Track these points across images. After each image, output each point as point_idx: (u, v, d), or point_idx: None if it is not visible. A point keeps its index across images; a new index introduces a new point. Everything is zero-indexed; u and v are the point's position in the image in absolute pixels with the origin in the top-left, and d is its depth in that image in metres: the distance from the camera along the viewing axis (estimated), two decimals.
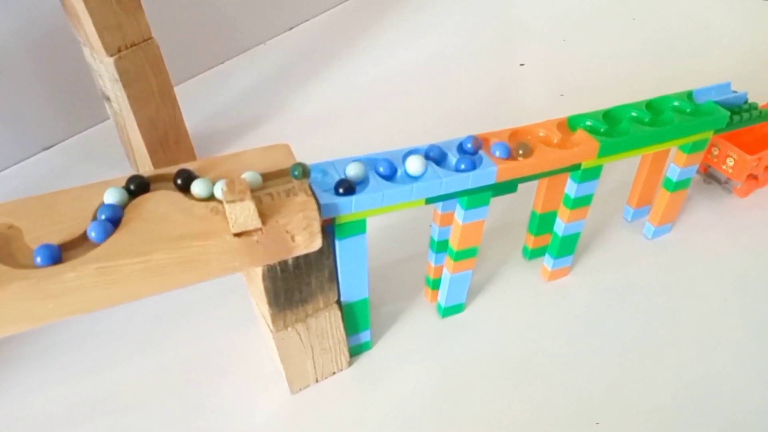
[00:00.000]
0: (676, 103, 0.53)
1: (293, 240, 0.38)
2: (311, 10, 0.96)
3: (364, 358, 0.51)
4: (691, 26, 0.93)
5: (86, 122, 0.75)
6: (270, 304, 0.41)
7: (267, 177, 0.40)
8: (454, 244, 0.48)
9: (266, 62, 0.88)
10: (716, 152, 0.61)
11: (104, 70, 0.59)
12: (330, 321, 0.46)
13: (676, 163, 0.55)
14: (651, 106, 0.52)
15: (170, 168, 0.40)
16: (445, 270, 0.51)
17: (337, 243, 0.43)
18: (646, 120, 0.51)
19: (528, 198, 0.55)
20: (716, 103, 0.53)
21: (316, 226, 0.38)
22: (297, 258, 0.40)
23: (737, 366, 0.50)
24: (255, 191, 0.38)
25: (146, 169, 0.66)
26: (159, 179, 0.40)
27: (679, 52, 0.87)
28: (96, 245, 0.36)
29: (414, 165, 0.43)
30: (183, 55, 0.81)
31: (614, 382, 0.49)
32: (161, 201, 0.38)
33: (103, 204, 0.38)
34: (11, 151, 0.71)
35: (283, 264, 0.40)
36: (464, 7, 0.99)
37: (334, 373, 0.49)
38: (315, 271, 0.42)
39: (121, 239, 0.36)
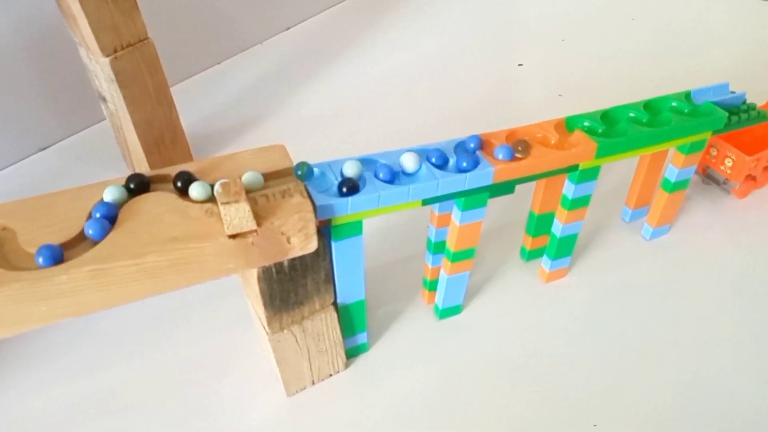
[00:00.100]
0: (674, 104, 0.52)
1: (289, 242, 0.38)
2: (309, 9, 0.96)
3: (361, 360, 0.51)
4: (689, 26, 0.92)
5: (82, 123, 0.75)
6: (265, 306, 0.41)
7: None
8: (451, 246, 0.48)
9: (264, 62, 0.87)
10: (715, 153, 0.61)
11: (100, 70, 0.59)
12: (326, 323, 0.45)
13: (675, 163, 0.54)
14: (649, 106, 0.52)
15: (166, 169, 0.40)
16: (442, 271, 0.50)
17: (333, 244, 0.42)
18: (644, 120, 0.51)
19: (526, 199, 0.55)
20: (714, 103, 0.53)
21: (312, 228, 0.38)
22: (293, 260, 0.40)
23: (736, 366, 0.50)
24: (250, 192, 0.38)
25: (142, 169, 0.66)
26: (155, 180, 0.40)
27: (678, 53, 0.87)
28: (91, 246, 0.35)
29: (409, 161, 0.43)
30: (180, 55, 0.81)
31: (612, 383, 0.49)
32: (156, 202, 0.38)
33: (98, 203, 0.37)
34: (7, 152, 0.70)
35: (279, 266, 0.40)
36: (463, 8, 0.98)
37: (330, 375, 0.49)
38: (311, 272, 0.42)
39: (115, 241, 0.35)
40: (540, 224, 0.55)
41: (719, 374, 0.49)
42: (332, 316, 0.45)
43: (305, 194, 0.38)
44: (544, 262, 0.55)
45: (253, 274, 0.39)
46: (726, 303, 0.54)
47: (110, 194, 0.38)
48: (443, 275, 0.50)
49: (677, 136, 0.51)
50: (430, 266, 0.52)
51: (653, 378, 0.49)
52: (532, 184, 0.51)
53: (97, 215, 0.37)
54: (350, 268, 0.44)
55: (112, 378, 0.50)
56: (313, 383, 0.49)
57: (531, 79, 0.84)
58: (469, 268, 0.50)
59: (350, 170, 0.42)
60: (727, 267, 0.57)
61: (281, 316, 0.43)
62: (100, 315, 0.38)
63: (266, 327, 0.43)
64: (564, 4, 0.99)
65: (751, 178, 0.62)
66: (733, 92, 0.55)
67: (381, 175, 0.42)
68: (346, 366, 0.50)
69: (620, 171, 0.64)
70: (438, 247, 0.51)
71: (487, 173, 0.43)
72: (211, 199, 0.38)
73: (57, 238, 0.36)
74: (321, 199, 0.40)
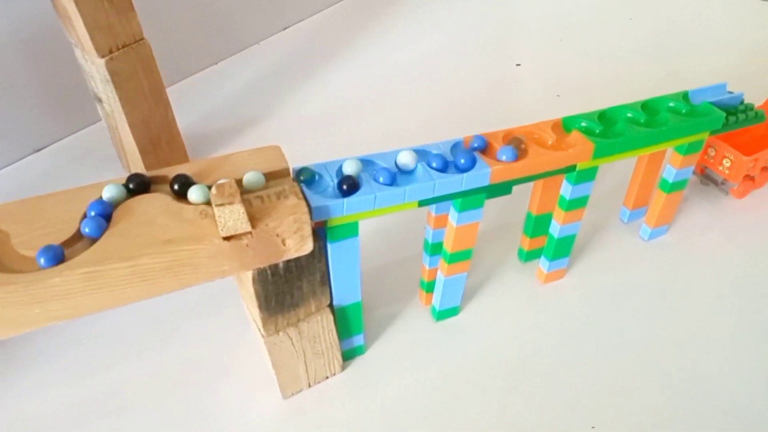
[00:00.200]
0: (671, 104, 0.52)
1: (284, 243, 0.38)
2: (306, 9, 0.96)
3: (358, 363, 0.50)
4: (687, 26, 0.92)
5: (78, 124, 0.75)
6: (260, 308, 0.41)
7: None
8: (448, 247, 0.48)
9: (261, 62, 0.87)
10: (713, 153, 0.61)
11: (95, 71, 0.59)
12: (322, 325, 0.45)
13: (672, 164, 0.54)
14: (646, 106, 0.52)
15: (164, 170, 0.40)
16: (439, 273, 0.50)
17: (329, 246, 0.42)
18: (642, 121, 0.50)
19: (524, 199, 0.55)
20: (712, 103, 0.52)
21: (307, 230, 0.38)
22: (288, 261, 0.39)
23: (735, 367, 0.49)
24: (245, 194, 0.38)
25: (138, 170, 0.65)
26: (154, 181, 0.40)
27: (676, 53, 0.87)
28: (86, 248, 0.35)
29: (406, 159, 0.42)
30: (177, 56, 0.81)
31: (611, 384, 0.49)
32: (150, 204, 0.38)
33: (94, 201, 0.37)
34: (2, 153, 0.70)
35: (274, 268, 0.39)
36: (461, 8, 0.98)
37: (327, 377, 0.49)
38: (306, 274, 0.41)
39: (109, 243, 0.35)
40: (538, 225, 0.55)
41: (718, 375, 0.49)
42: (328, 318, 0.45)
43: (300, 195, 0.38)
44: (542, 263, 0.55)
45: (248, 276, 0.39)
46: (724, 303, 0.54)
47: (109, 192, 0.38)
48: (440, 277, 0.50)
49: (675, 136, 0.51)
50: (427, 267, 0.52)
51: (652, 379, 0.49)
52: (530, 184, 0.50)
53: (92, 213, 0.37)
54: (346, 270, 0.44)
55: (109, 380, 0.50)
56: (310, 386, 0.48)
57: (529, 79, 0.84)
58: (466, 269, 0.50)
59: (350, 168, 0.42)
60: (725, 267, 0.57)
61: (277, 319, 0.42)
62: (97, 317, 0.38)
63: (262, 329, 0.43)
64: (562, 4, 0.99)
65: (749, 178, 0.62)
66: (730, 92, 0.55)
67: (381, 179, 0.42)
68: (343, 368, 0.50)
69: (618, 171, 0.64)
70: (435, 249, 0.50)
71: (483, 174, 0.43)
72: (209, 201, 0.37)
73: (51, 241, 0.35)
74: (316, 201, 0.40)
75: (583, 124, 0.49)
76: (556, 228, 0.52)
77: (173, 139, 0.66)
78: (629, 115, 0.51)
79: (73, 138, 0.74)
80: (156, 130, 0.64)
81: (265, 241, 0.37)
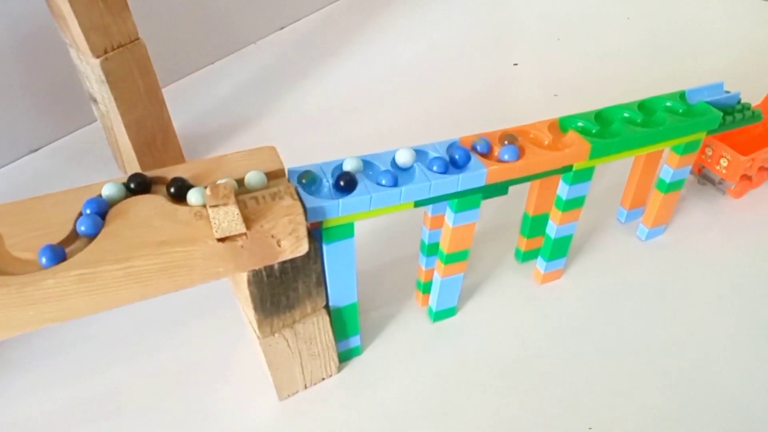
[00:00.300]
0: (668, 104, 0.52)
1: (279, 245, 0.37)
2: (303, 9, 0.96)
3: (354, 364, 0.50)
4: (685, 26, 0.92)
5: (73, 124, 0.74)
6: (256, 309, 0.41)
7: (239, 182, 0.40)
8: (444, 247, 0.47)
9: (257, 62, 0.87)
10: (710, 153, 0.61)
11: (90, 71, 0.58)
12: (318, 326, 0.45)
13: (669, 164, 0.54)
14: (643, 106, 0.52)
15: (163, 170, 0.40)
16: (435, 273, 0.50)
17: (324, 247, 0.42)
18: (639, 121, 0.50)
19: (521, 200, 0.55)
20: (709, 103, 0.52)
21: (303, 231, 0.38)
22: (283, 263, 0.39)
23: (733, 367, 0.49)
24: (239, 195, 0.38)
25: (133, 171, 0.65)
26: (154, 182, 0.40)
27: (674, 52, 0.87)
28: (79, 250, 0.35)
29: (404, 157, 0.42)
30: (173, 56, 0.81)
31: (608, 385, 0.48)
32: (144, 205, 0.37)
33: (90, 199, 0.37)
34: None
35: (269, 269, 0.39)
36: (458, 7, 0.98)
37: (323, 379, 0.49)
38: (302, 276, 0.41)
39: (103, 245, 0.35)
40: (534, 225, 0.54)
41: (716, 375, 0.49)
42: (324, 319, 0.45)
43: (296, 196, 0.38)
44: (539, 264, 0.55)
45: (243, 277, 0.39)
46: (722, 303, 0.54)
47: (108, 190, 0.38)
48: (437, 277, 0.50)
49: (672, 136, 0.50)
50: (423, 268, 0.52)
51: (649, 379, 0.49)
52: (527, 185, 0.50)
53: (88, 211, 0.36)
54: (342, 271, 0.44)
55: (105, 382, 0.50)
56: (306, 387, 0.48)
57: (526, 78, 0.84)
58: (462, 270, 0.50)
59: (350, 167, 0.42)
60: (723, 267, 0.57)
61: (272, 320, 0.42)
62: (94, 318, 0.38)
63: (257, 331, 0.42)
64: (560, 4, 0.98)
65: (746, 178, 0.62)
66: (727, 92, 0.55)
67: (383, 182, 0.41)
68: (339, 369, 0.49)
69: (615, 171, 0.64)
70: (431, 249, 0.50)
71: (479, 174, 0.43)
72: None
73: (45, 242, 0.35)
74: (312, 202, 0.39)
75: (580, 124, 0.49)
76: (552, 228, 0.52)
77: (169, 139, 0.66)
78: (626, 114, 0.51)
79: (69, 139, 0.74)
80: (151, 130, 0.64)
81: (260, 243, 0.37)
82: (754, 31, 0.90)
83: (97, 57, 0.57)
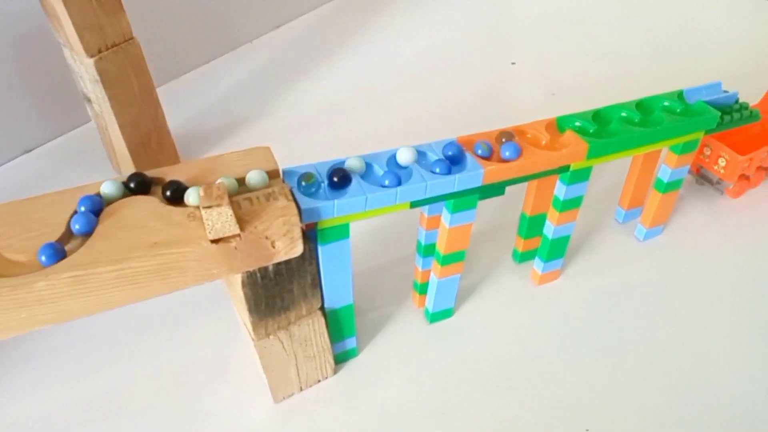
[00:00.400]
0: (666, 103, 0.52)
1: (273, 246, 0.37)
2: (299, 8, 0.95)
3: (350, 366, 0.50)
4: (683, 25, 0.92)
5: (68, 124, 0.74)
6: (250, 311, 0.40)
7: (240, 182, 0.39)
8: (441, 248, 0.47)
9: (253, 61, 0.86)
10: (708, 153, 0.61)
11: (84, 71, 0.58)
12: (314, 328, 0.44)
13: (667, 164, 0.54)
14: (641, 106, 0.51)
15: (156, 170, 0.40)
16: (432, 274, 0.50)
17: (319, 248, 0.41)
18: (636, 120, 0.50)
19: (518, 200, 0.54)
20: (707, 103, 0.52)
21: (297, 232, 0.37)
22: (278, 264, 0.39)
23: (731, 368, 0.49)
24: (234, 196, 0.37)
25: (128, 171, 0.65)
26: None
27: (672, 52, 0.86)
28: (74, 250, 0.35)
29: (405, 156, 0.42)
30: (168, 55, 0.80)
31: (606, 386, 0.48)
32: (137, 207, 0.37)
33: (84, 197, 0.37)
34: None
35: (264, 270, 0.39)
36: (455, 6, 0.98)
37: (319, 381, 0.48)
38: (297, 277, 0.41)
39: (96, 246, 0.35)
40: (532, 226, 0.54)
41: (715, 375, 0.49)
42: (320, 321, 0.44)
43: (290, 197, 0.38)
44: (537, 264, 0.55)
45: (237, 279, 0.38)
46: (721, 303, 0.54)
47: (106, 189, 0.37)
48: (433, 278, 0.50)
49: (669, 136, 0.50)
50: (420, 269, 0.52)
51: (647, 380, 0.48)
52: (524, 185, 0.50)
53: (82, 208, 0.36)
54: (338, 272, 0.43)
55: (104, 382, 0.49)
56: (301, 389, 0.48)
57: (524, 78, 0.84)
58: (459, 271, 0.49)
59: (352, 166, 0.41)
60: (721, 267, 0.57)
61: (267, 322, 0.42)
62: (93, 319, 0.37)
63: (252, 333, 0.42)
64: (558, 3, 0.98)
65: (744, 177, 0.62)
66: (725, 91, 0.54)
67: (386, 183, 0.41)
68: (335, 372, 0.49)
69: (613, 171, 0.63)
70: (428, 250, 0.50)
71: (476, 175, 0.43)
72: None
73: (36, 244, 0.35)
74: (306, 203, 0.39)
75: (577, 123, 0.49)
76: (550, 229, 0.51)
77: (164, 139, 0.65)
78: (623, 114, 0.50)
79: (63, 139, 0.74)
80: (146, 130, 0.63)
81: (254, 244, 0.36)
82: (753, 31, 0.90)
83: (91, 57, 0.56)
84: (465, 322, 0.53)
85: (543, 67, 0.85)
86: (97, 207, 0.37)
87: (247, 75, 0.84)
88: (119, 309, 0.36)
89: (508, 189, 0.46)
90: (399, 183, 0.41)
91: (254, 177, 0.39)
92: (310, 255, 0.40)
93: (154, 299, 0.36)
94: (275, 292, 0.40)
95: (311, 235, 0.41)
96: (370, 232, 0.59)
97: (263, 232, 0.36)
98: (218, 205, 0.34)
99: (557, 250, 0.53)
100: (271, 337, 0.43)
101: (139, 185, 0.38)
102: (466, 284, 0.55)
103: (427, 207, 0.47)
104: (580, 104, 0.53)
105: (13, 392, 0.49)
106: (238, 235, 0.35)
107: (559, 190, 0.49)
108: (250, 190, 0.38)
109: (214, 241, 0.35)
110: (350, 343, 0.49)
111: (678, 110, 0.52)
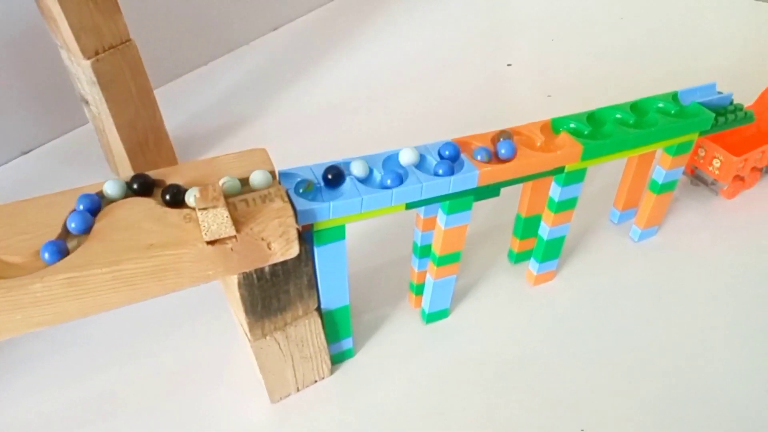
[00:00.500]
0: (660, 105, 0.52)
1: (269, 247, 0.37)
2: (296, 10, 0.95)
3: (347, 366, 0.50)
4: (678, 26, 0.92)
5: (65, 126, 0.74)
6: (247, 312, 0.40)
7: (243, 183, 0.40)
8: (436, 249, 0.47)
9: (250, 63, 0.87)
10: (703, 154, 0.61)
11: (82, 73, 0.58)
12: (310, 329, 0.45)
13: (662, 165, 0.54)
14: (636, 107, 0.52)
15: (155, 171, 0.40)
16: (428, 275, 0.50)
17: (315, 249, 0.42)
18: (631, 122, 0.50)
19: (513, 201, 0.55)
20: (701, 104, 0.52)
21: (293, 233, 0.37)
22: (274, 265, 0.39)
23: (727, 368, 0.49)
24: (230, 197, 0.37)
25: (126, 172, 0.65)
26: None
27: (667, 53, 0.87)
28: (75, 248, 0.35)
29: (407, 157, 0.43)
30: (165, 57, 0.80)
31: (601, 386, 0.48)
32: (133, 208, 0.37)
33: (82, 195, 0.37)
34: None
35: (260, 272, 0.39)
36: (451, 7, 0.98)
37: (315, 381, 0.48)
38: (293, 278, 0.41)
39: (91, 248, 0.35)
40: (527, 227, 0.54)
41: (711, 375, 0.49)
42: (316, 321, 0.45)
43: (286, 199, 0.38)
44: (532, 265, 0.55)
45: (234, 280, 0.39)
46: (715, 304, 0.54)
47: (109, 188, 0.38)
48: (429, 279, 0.50)
49: (664, 137, 0.50)
50: (416, 270, 0.52)
51: (642, 380, 0.49)
52: (520, 186, 0.50)
53: (80, 207, 0.36)
54: (334, 274, 0.44)
55: (102, 383, 0.49)
56: (298, 390, 0.48)
57: (520, 79, 0.84)
58: (455, 271, 0.50)
59: (356, 169, 0.42)
60: (715, 268, 0.57)
61: (263, 323, 0.42)
62: (90, 320, 0.37)
63: (248, 334, 0.42)
64: (553, 5, 0.98)
65: (739, 178, 0.62)
66: (720, 93, 0.55)
67: (389, 182, 0.41)
68: (332, 372, 0.49)
69: (608, 172, 0.64)
70: (424, 251, 0.50)
71: (471, 176, 0.43)
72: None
73: (32, 246, 0.35)
74: (302, 204, 0.39)
75: (572, 125, 0.49)
76: (545, 230, 0.52)
77: (161, 140, 0.66)
78: (618, 116, 0.51)
79: (61, 140, 0.74)
80: (143, 132, 0.63)
81: (250, 245, 0.36)
82: (747, 32, 0.90)
83: (88, 58, 0.56)
84: (461, 323, 0.53)
85: (538, 69, 0.85)
86: (96, 207, 0.37)
87: (245, 76, 0.84)
88: (116, 310, 0.36)
89: (503, 190, 0.46)
90: (401, 183, 0.42)
91: (257, 177, 0.39)
92: (306, 256, 0.40)
93: (151, 300, 0.36)
94: (272, 293, 0.40)
95: (307, 236, 0.41)
96: (366, 233, 0.60)
97: (259, 233, 0.36)
98: (214, 207, 0.34)
99: (552, 251, 0.54)
100: (268, 337, 0.43)
101: (142, 186, 0.38)
102: (461, 285, 0.55)
103: (423, 208, 0.47)
104: (576, 105, 0.53)
105: (11, 393, 0.49)
106: (234, 237, 0.36)
107: (554, 191, 0.49)
108: (253, 190, 0.39)
109: (210, 243, 0.35)
110: (347, 343, 0.49)
111: (672, 112, 0.52)
